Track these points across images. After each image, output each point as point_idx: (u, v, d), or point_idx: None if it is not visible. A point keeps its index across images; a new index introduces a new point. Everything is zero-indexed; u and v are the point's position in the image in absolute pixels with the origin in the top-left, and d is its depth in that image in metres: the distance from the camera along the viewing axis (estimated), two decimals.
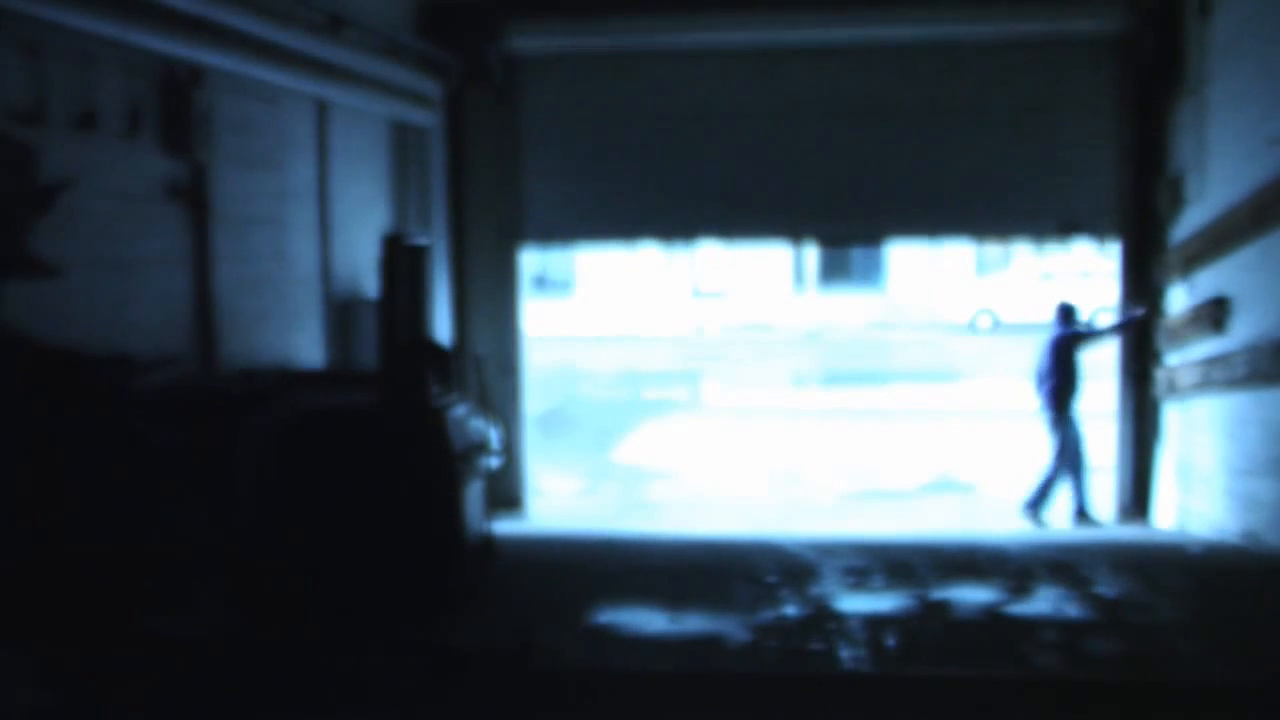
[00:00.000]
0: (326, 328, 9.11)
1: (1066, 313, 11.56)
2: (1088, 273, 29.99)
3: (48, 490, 4.60)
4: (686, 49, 11.26)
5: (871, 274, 34.43)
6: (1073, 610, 6.95)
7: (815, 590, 7.53)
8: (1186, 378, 10.24)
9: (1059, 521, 11.30)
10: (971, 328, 30.94)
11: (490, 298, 11.62)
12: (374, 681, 5.30)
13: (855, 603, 7.20)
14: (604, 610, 6.96)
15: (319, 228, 9.03)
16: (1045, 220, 11.39)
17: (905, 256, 34.24)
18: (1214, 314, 9.48)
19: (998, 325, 30.63)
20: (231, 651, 5.41)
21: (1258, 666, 5.80)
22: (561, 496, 13.66)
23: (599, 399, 21.11)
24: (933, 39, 11.18)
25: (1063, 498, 11.43)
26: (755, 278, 34.49)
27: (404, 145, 10.66)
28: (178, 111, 6.95)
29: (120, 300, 6.46)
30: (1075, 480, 11.32)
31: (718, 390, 22.66)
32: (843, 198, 11.40)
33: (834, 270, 33.44)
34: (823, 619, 6.80)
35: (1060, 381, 11.27)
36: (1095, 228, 11.25)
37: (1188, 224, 10.17)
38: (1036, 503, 11.40)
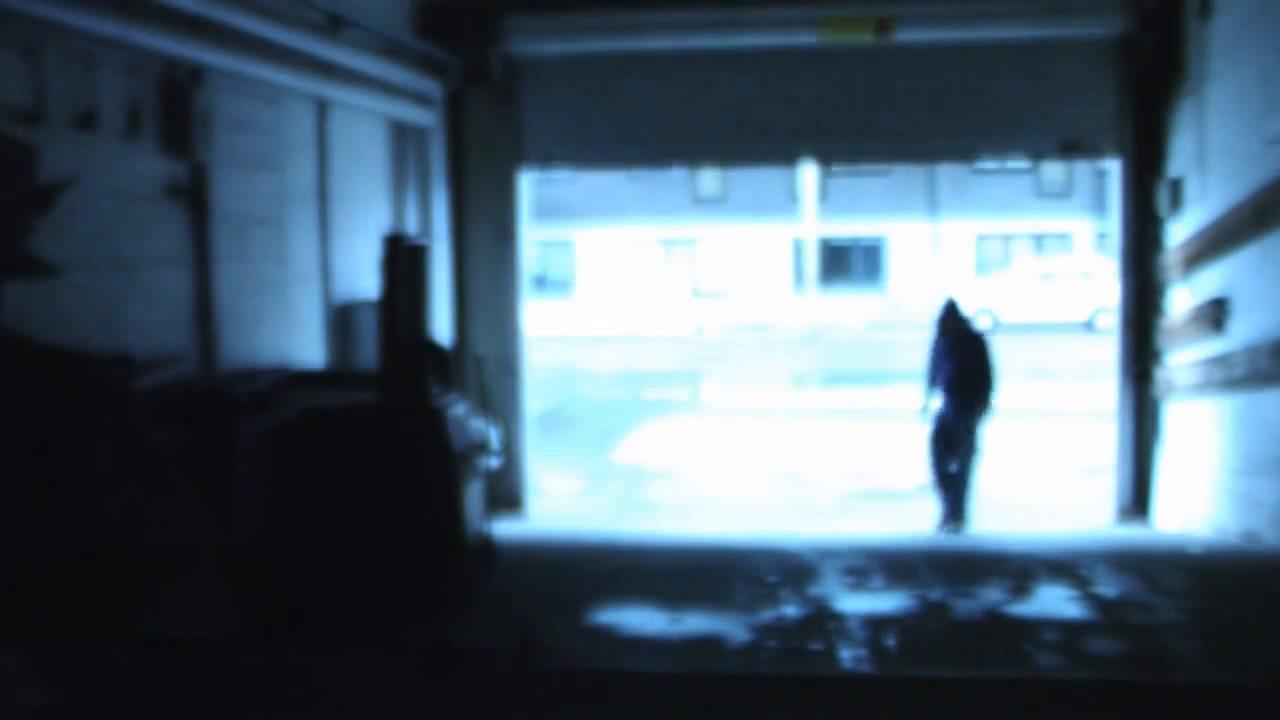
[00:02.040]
0: (326, 328, 9.10)
1: (950, 311, 11.15)
2: (1088, 273, 30.06)
3: (47, 490, 4.60)
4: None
5: (871, 274, 34.49)
6: (1073, 610, 6.95)
7: (815, 590, 7.53)
8: (1186, 378, 10.24)
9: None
10: None
11: (491, 297, 11.62)
12: (373, 681, 5.30)
13: (855, 603, 7.20)
14: (604, 610, 6.97)
15: (319, 228, 9.03)
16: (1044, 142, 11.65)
17: (906, 256, 34.28)
18: (1214, 314, 9.48)
19: (998, 325, 30.64)
20: (231, 651, 5.41)
21: (1259, 667, 5.80)
22: (561, 496, 13.66)
23: (599, 399, 21.12)
24: (933, 42, 11.26)
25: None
26: (755, 277, 34.51)
27: (404, 145, 10.66)
28: (178, 111, 6.95)
29: (120, 300, 6.46)
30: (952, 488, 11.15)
31: (718, 390, 22.67)
32: (838, 122, 11.57)
33: (834, 270, 33.49)
34: (823, 619, 6.80)
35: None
36: (1094, 146, 11.33)
37: (1188, 224, 10.17)
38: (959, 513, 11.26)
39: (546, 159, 11.88)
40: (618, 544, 9.60)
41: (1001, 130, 11.49)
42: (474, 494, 7.22)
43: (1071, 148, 11.49)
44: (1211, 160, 9.64)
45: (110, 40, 6.20)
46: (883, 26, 10.88)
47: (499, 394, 10.56)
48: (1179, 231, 10.39)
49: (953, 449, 11.10)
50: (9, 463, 4.63)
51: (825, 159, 13.21)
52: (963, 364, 11.00)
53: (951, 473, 11.16)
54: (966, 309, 11.32)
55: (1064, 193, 33.90)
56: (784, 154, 12.71)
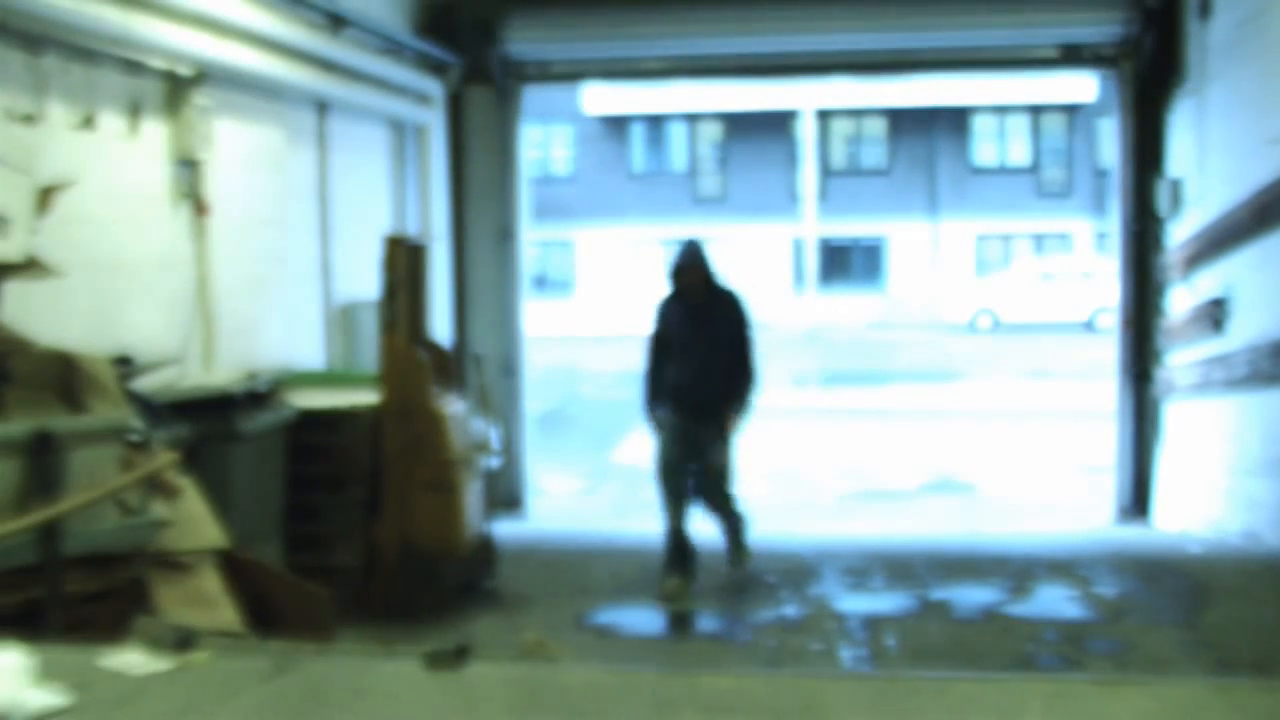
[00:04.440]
0: (326, 328, 9.11)
1: (690, 259, 7.44)
2: (1088, 273, 30.07)
3: (46, 490, 4.60)
4: None
5: (871, 274, 34.49)
6: (1072, 610, 6.96)
7: (815, 590, 7.54)
8: (1186, 378, 10.24)
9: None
10: (971, 328, 30.96)
11: (491, 296, 11.60)
12: (370, 681, 5.29)
13: (855, 603, 7.21)
14: (604, 610, 6.97)
15: (319, 228, 9.03)
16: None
17: (906, 256, 34.28)
18: (1214, 314, 9.48)
19: (998, 325, 30.65)
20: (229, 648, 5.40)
21: (1258, 667, 5.80)
22: (561, 496, 13.66)
23: (599, 399, 21.11)
24: (934, 45, 11.30)
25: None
26: (755, 277, 34.52)
27: (405, 144, 10.66)
28: (178, 111, 6.95)
29: (120, 300, 6.46)
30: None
31: None
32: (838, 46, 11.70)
33: (834, 270, 33.48)
34: (823, 619, 6.81)
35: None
36: (1097, 55, 11.21)
37: (1188, 224, 10.17)
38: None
39: (543, 74, 11.79)
40: (618, 544, 9.60)
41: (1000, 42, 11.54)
42: (474, 494, 7.22)
43: (1074, 56, 11.42)
44: (1211, 160, 9.64)
45: (111, 38, 6.20)
46: None
47: (499, 394, 10.56)
48: (1179, 231, 10.38)
49: (695, 462, 7.69)
50: (10, 464, 4.63)
51: (824, 75, 13.47)
52: (709, 339, 7.46)
53: (696, 496, 7.74)
54: (714, 260, 7.52)
55: (1064, 193, 33.91)
56: (782, 73, 12.84)
